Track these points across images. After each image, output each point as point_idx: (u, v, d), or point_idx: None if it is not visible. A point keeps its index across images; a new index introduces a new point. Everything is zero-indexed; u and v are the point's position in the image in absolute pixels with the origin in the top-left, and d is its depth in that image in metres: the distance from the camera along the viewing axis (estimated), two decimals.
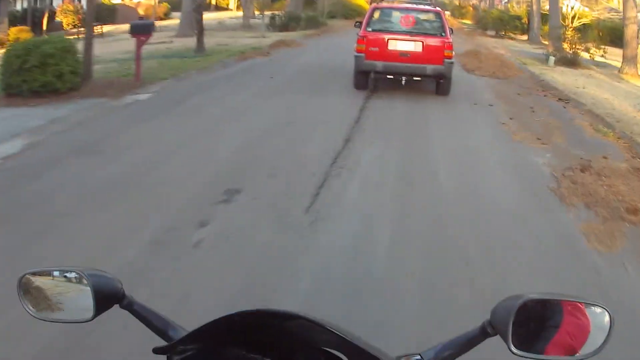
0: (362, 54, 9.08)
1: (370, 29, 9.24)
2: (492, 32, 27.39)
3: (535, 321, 0.86)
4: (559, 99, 10.32)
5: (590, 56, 15.71)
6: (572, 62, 15.51)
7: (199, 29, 15.79)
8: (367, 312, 2.90)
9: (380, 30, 9.25)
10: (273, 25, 24.41)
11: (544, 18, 25.50)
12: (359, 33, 9.37)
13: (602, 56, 15.81)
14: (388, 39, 9.04)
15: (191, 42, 16.24)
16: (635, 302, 3.19)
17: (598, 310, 0.88)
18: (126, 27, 13.79)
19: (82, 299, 0.93)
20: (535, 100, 9.86)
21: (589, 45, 15.57)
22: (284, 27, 24.25)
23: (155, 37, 23.40)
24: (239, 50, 15.70)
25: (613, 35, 29.03)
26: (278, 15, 24.86)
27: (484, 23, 27.13)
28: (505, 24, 25.65)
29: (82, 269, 0.94)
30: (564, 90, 11.18)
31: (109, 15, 33.27)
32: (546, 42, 26.18)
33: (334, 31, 24.56)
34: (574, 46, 15.55)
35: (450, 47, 8.95)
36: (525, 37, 26.49)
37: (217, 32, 23.77)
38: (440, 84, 9.41)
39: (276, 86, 10.26)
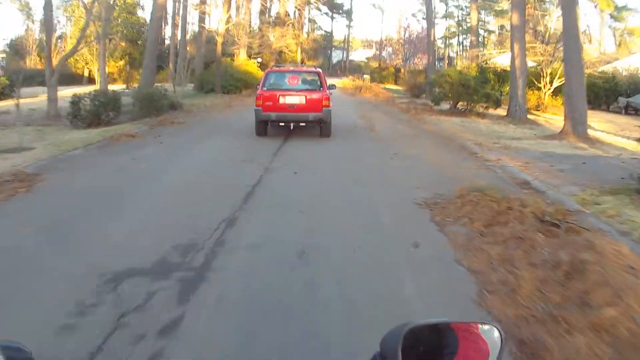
0: (260, 108, 10.80)
1: (265, 88, 10.99)
2: (443, 105, 17.94)
3: (426, 347, 0.86)
4: None
5: None
6: None
7: None
8: None
9: (273, 89, 11.00)
10: (77, 116, 13.48)
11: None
12: (257, 92, 11.18)
13: None
14: (279, 95, 10.81)
15: None
16: None
17: (486, 327, 0.89)
18: None
19: None
20: None
21: None
22: (96, 117, 13.38)
23: None
24: None
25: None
26: (84, 97, 13.81)
27: (440, 94, 17.51)
28: (472, 94, 16.11)
29: None
30: None
31: None
32: (539, 118, 17.14)
33: (191, 126, 13.74)
34: None
35: (328, 99, 10.78)
36: (499, 112, 17.17)
37: None
38: (322, 128, 11.18)
39: None
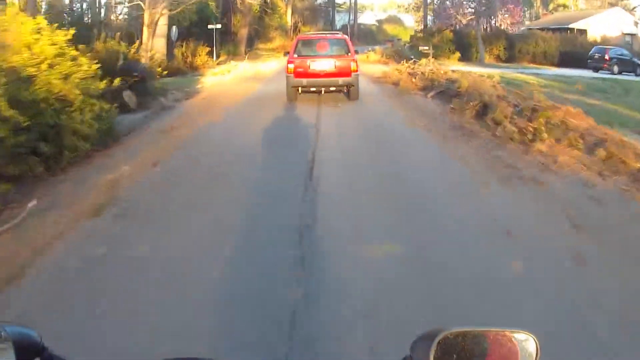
0: (292, 74, 11.06)
1: (296, 55, 11.21)
2: None
3: (457, 354, 0.83)
4: None
5: None
6: None
7: None
8: None
9: (303, 56, 11.26)
10: None
11: None
12: (288, 59, 11.31)
13: None
14: (309, 62, 11.07)
15: None
16: None
17: (522, 337, 0.85)
18: None
19: (2, 353, 0.86)
20: None
21: None
22: None
23: None
24: None
25: None
26: None
27: None
28: None
29: (1, 322, 0.87)
30: None
31: None
32: None
33: None
34: None
35: (355, 62, 11.12)
36: None
37: None
38: (350, 91, 11.50)
39: None
